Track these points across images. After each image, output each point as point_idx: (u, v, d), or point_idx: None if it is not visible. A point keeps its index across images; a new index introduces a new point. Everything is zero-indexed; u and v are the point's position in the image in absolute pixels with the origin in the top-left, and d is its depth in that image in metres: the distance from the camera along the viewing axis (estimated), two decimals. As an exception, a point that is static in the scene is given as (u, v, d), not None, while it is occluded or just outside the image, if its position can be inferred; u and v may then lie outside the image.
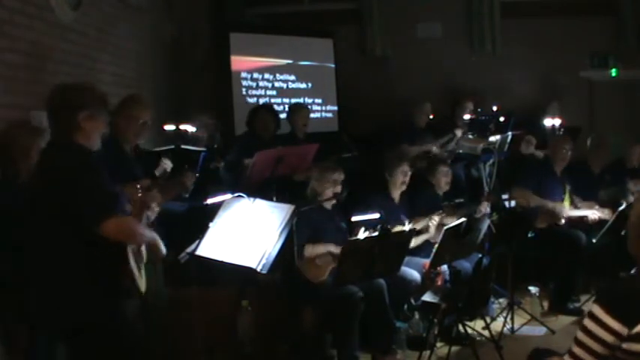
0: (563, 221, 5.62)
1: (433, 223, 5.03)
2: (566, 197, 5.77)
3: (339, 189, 4.67)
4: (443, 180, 5.50)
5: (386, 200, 5.16)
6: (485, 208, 5.35)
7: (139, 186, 3.31)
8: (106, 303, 2.82)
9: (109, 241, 2.74)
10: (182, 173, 4.23)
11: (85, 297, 2.78)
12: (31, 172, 3.04)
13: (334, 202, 4.68)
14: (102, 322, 2.80)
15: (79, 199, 2.71)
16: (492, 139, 6.24)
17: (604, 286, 2.16)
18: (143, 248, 3.14)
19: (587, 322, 2.06)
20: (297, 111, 6.39)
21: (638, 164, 6.61)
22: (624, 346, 2.01)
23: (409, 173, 5.24)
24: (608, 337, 2.01)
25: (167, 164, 4.49)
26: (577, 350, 2.08)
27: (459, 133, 6.68)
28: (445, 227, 4.40)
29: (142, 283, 3.01)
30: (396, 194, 5.26)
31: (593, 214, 5.67)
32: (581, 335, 2.07)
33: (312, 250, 4.41)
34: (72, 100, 2.86)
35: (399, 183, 5.21)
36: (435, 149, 6.55)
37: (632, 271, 2.19)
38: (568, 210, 5.71)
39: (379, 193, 5.20)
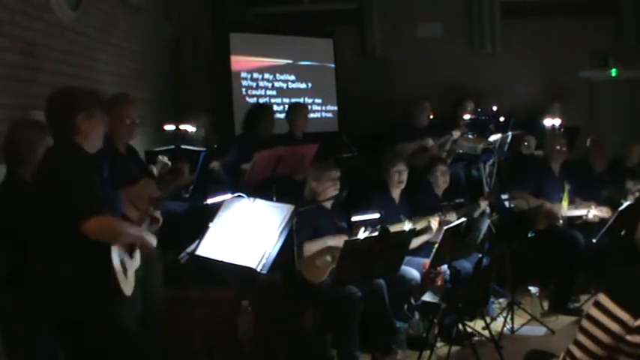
0: (561, 221, 5.62)
1: (434, 225, 5.02)
2: (565, 197, 5.77)
3: (338, 187, 4.67)
4: (441, 179, 5.50)
5: (386, 200, 5.15)
6: (484, 206, 5.34)
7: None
8: (90, 300, 2.84)
9: (91, 240, 2.77)
10: (178, 164, 4.21)
11: (69, 292, 2.82)
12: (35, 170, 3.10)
13: (332, 201, 4.67)
14: (86, 317, 2.84)
15: (67, 195, 2.76)
16: (492, 138, 6.24)
17: (611, 277, 2.14)
18: (137, 253, 3.14)
19: (594, 311, 2.04)
20: (297, 110, 6.32)
21: (636, 163, 6.62)
22: (629, 337, 1.99)
23: (405, 172, 5.24)
24: (615, 326, 1.99)
25: (165, 160, 4.48)
26: (581, 338, 2.07)
27: (455, 134, 6.68)
28: (445, 227, 4.40)
29: (128, 287, 3.00)
30: (395, 194, 5.27)
31: (590, 213, 5.67)
32: (586, 324, 2.05)
33: (310, 247, 4.39)
34: (69, 103, 2.92)
35: (396, 182, 5.22)
36: (430, 142, 6.55)
37: None
38: (566, 210, 5.71)
39: (380, 192, 5.21)
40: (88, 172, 2.85)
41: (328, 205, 4.67)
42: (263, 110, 6.24)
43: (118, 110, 3.91)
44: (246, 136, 6.04)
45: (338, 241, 4.39)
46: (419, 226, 4.97)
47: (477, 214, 5.23)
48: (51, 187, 2.81)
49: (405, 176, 5.24)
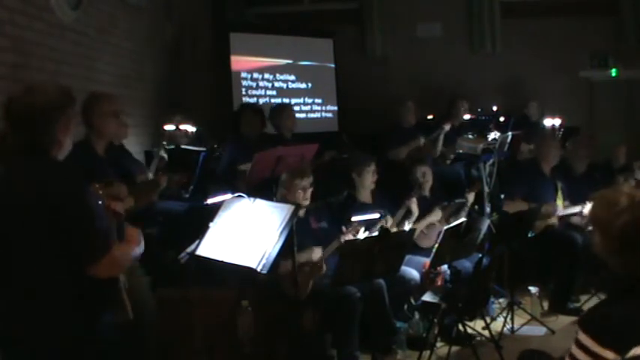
0: (555, 220, 5.63)
1: (413, 207, 5.04)
2: (559, 196, 5.77)
3: (309, 194, 4.52)
4: (423, 180, 5.49)
5: (355, 203, 5.02)
6: (471, 198, 5.38)
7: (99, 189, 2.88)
8: (83, 328, 2.43)
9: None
10: (158, 176, 3.99)
11: (61, 319, 2.40)
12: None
13: (305, 209, 4.48)
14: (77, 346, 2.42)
15: (69, 232, 2.34)
16: (492, 135, 6.25)
17: (586, 313, 2.06)
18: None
19: (577, 352, 1.96)
20: (283, 112, 6.16)
21: (624, 163, 6.64)
22: None
23: (376, 175, 5.16)
24: None
25: (162, 153, 4.43)
26: None
27: (447, 127, 6.70)
28: (445, 227, 4.40)
29: (130, 310, 2.71)
30: (364, 195, 5.16)
31: (585, 208, 5.67)
32: None
33: (284, 265, 4.08)
34: (50, 107, 2.37)
35: (368, 183, 5.14)
36: (422, 141, 6.56)
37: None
38: (561, 209, 5.71)
39: (348, 197, 5.02)
40: (90, 198, 2.40)
41: (301, 212, 4.45)
42: (242, 110, 6.18)
43: (106, 107, 3.70)
44: (233, 138, 5.94)
45: (307, 255, 4.33)
46: (399, 213, 4.99)
47: (467, 206, 5.31)
48: (46, 220, 2.32)
49: (375, 177, 5.18)
